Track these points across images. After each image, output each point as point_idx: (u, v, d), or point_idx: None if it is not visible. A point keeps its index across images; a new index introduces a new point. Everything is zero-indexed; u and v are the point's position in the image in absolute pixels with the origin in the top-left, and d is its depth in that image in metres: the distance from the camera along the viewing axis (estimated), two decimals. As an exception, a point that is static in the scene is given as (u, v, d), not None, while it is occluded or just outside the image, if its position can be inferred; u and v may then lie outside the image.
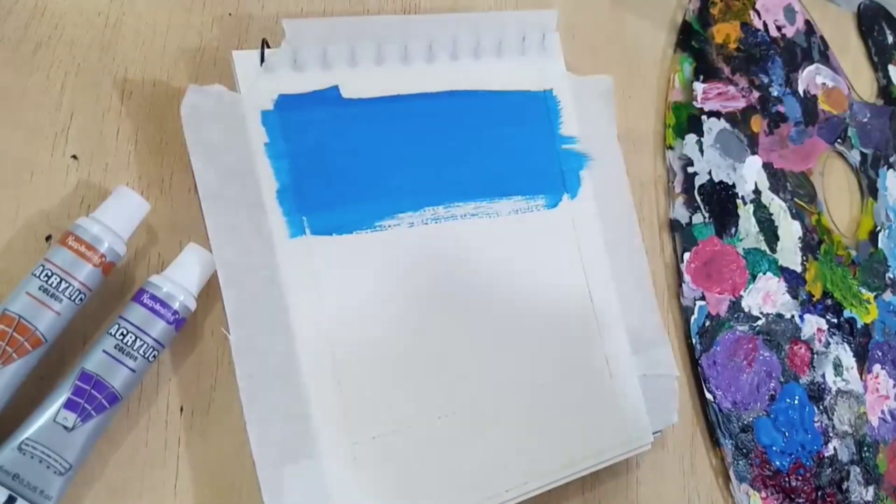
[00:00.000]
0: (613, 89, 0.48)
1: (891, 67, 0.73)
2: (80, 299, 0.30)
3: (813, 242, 0.59)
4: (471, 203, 0.41)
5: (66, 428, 0.29)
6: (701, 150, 0.55)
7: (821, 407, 0.54)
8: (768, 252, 0.56)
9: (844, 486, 0.53)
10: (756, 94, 0.60)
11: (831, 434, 0.54)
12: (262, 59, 0.36)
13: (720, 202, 0.55)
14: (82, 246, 0.30)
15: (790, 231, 0.58)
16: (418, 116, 0.40)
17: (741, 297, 0.53)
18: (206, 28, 0.39)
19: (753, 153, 0.58)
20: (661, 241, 0.52)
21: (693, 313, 0.50)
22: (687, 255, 0.51)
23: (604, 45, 0.54)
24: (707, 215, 0.53)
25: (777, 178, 0.59)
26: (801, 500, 0.51)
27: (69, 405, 0.29)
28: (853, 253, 0.62)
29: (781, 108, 0.61)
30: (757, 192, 0.57)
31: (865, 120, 0.68)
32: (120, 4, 0.37)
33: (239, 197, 0.35)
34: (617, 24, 0.55)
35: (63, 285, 0.30)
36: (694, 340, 0.50)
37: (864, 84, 0.71)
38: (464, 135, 0.42)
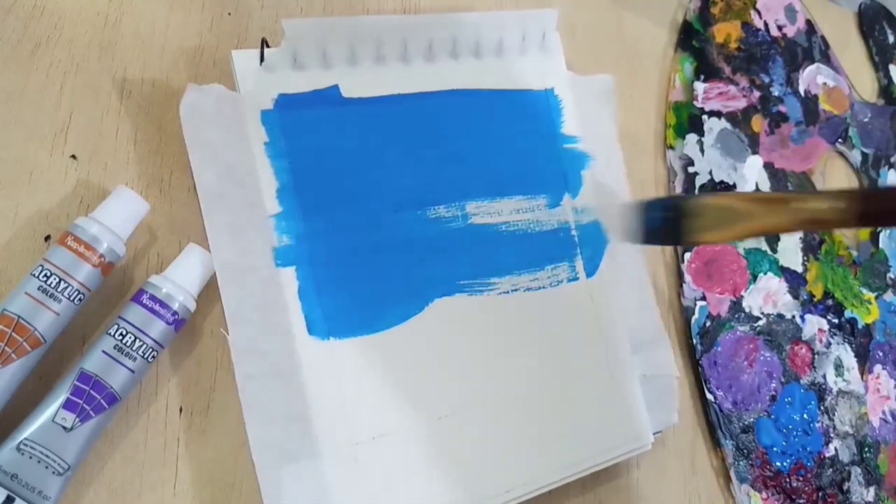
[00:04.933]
0: (614, 89, 0.48)
1: (892, 67, 0.73)
2: (80, 299, 0.30)
3: (814, 242, 0.59)
4: (472, 203, 0.41)
5: (64, 428, 0.29)
6: (702, 150, 0.55)
7: (822, 407, 0.54)
8: (769, 252, 0.56)
9: (845, 487, 0.53)
10: (757, 93, 0.59)
11: (832, 435, 0.54)
12: (262, 59, 0.36)
13: (721, 202, 0.54)
14: (81, 246, 0.30)
15: (791, 231, 0.58)
16: (419, 115, 0.40)
17: (742, 297, 0.53)
18: (206, 28, 0.38)
19: (754, 153, 0.58)
20: (661, 241, 0.52)
21: (694, 313, 0.50)
22: (687, 256, 0.51)
23: (604, 45, 0.54)
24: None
25: (778, 178, 0.58)
26: (801, 501, 0.51)
27: (68, 405, 0.29)
28: (854, 253, 0.62)
29: (782, 108, 0.61)
30: (757, 191, 0.57)
31: (866, 120, 0.68)
32: (119, 4, 0.37)
33: (238, 196, 0.35)
34: (617, 23, 0.55)
35: (62, 285, 0.29)
36: (694, 341, 0.50)
37: (865, 84, 0.71)
38: (465, 134, 0.42)
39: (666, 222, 0.41)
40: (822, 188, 0.62)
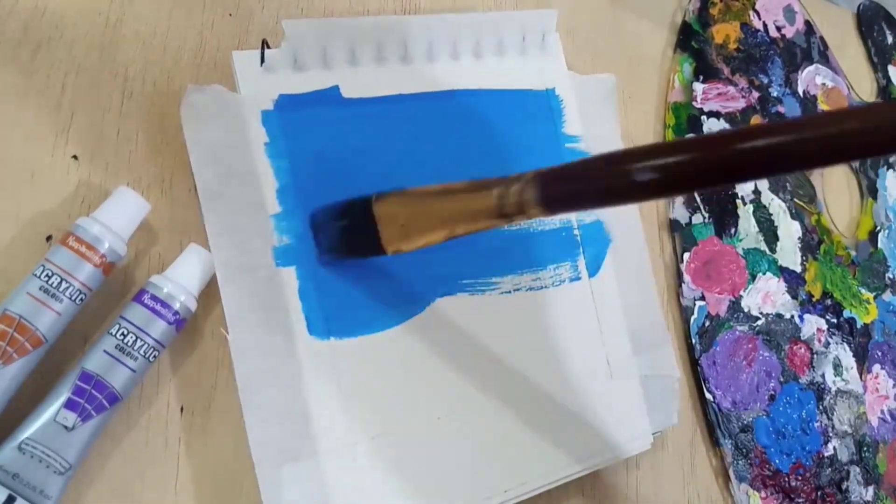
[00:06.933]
0: (616, 88, 0.48)
1: (890, 68, 0.73)
2: (81, 299, 0.30)
3: (812, 242, 0.59)
4: (471, 203, 0.41)
5: (66, 427, 0.29)
6: (701, 151, 0.55)
7: (820, 407, 0.54)
8: (768, 252, 0.56)
9: (844, 486, 0.53)
10: (756, 94, 0.60)
11: (831, 434, 0.54)
12: (263, 60, 0.36)
13: (720, 202, 0.55)
14: (83, 246, 0.30)
15: (790, 231, 0.58)
16: (419, 116, 0.40)
17: (741, 297, 0.53)
18: (207, 28, 0.39)
19: (753, 153, 0.58)
20: (660, 241, 0.52)
21: (693, 313, 0.50)
22: (687, 255, 0.51)
23: (604, 46, 0.54)
24: (707, 215, 0.53)
25: (777, 178, 0.59)
26: (800, 500, 0.51)
27: (69, 405, 0.29)
28: (853, 253, 0.62)
29: (781, 109, 0.61)
30: (756, 192, 0.57)
31: (865, 120, 0.68)
32: (120, 5, 0.37)
33: (239, 197, 0.35)
34: (617, 24, 0.55)
35: (63, 285, 0.30)
36: (693, 340, 0.50)
37: (864, 84, 0.71)
38: (466, 134, 0.42)
39: (339, 233, 0.35)
40: (822, 188, 0.62)
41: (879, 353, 0.60)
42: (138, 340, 0.31)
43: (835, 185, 0.64)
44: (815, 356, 0.55)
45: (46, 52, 0.35)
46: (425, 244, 0.34)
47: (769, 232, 0.56)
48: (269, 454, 0.33)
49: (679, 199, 0.53)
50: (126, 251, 0.32)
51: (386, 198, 0.34)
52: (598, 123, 0.47)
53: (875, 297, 0.62)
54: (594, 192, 0.29)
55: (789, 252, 0.57)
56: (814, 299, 0.57)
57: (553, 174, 0.30)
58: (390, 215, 0.34)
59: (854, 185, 0.67)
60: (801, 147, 0.25)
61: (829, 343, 0.57)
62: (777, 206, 0.58)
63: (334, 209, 0.36)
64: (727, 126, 0.57)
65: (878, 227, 0.65)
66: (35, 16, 0.35)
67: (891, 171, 0.68)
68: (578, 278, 0.43)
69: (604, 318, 0.44)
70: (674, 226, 0.52)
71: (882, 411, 0.58)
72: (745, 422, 0.50)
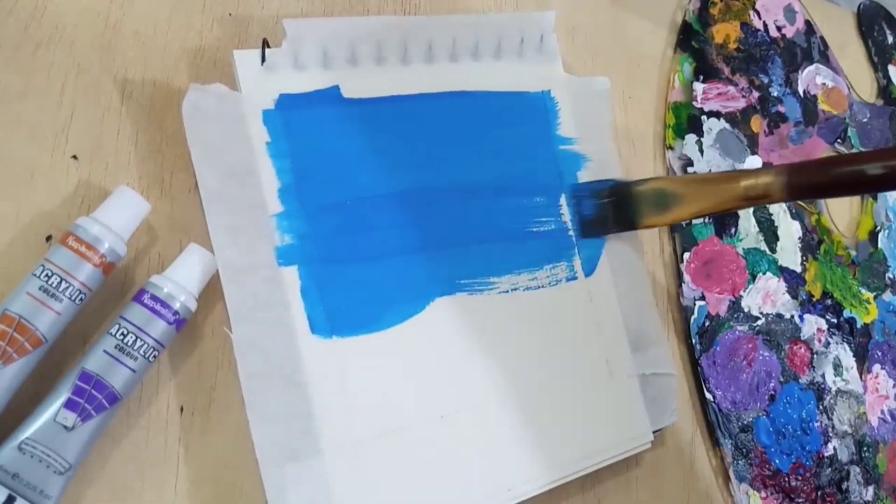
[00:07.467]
0: (613, 89, 0.48)
1: (890, 67, 0.73)
2: (81, 299, 0.30)
3: (813, 242, 0.59)
4: (471, 203, 0.41)
5: (66, 427, 0.29)
6: (701, 151, 0.55)
7: (820, 407, 0.54)
8: (768, 252, 0.56)
9: (844, 486, 0.53)
10: (756, 94, 0.60)
11: (831, 434, 0.54)
12: (263, 59, 0.36)
13: (720, 202, 0.55)
14: (82, 246, 0.30)
15: (790, 231, 0.58)
16: (417, 117, 0.40)
17: (741, 297, 0.53)
18: (207, 28, 0.39)
19: (753, 153, 0.58)
20: (660, 241, 0.52)
21: (693, 313, 0.50)
22: (687, 255, 0.51)
23: (604, 46, 0.54)
24: (707, 215, 0.53)
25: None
26: (800, 500, 0.51)
27: (69, 405, 0.29)
28: (853, 253, 0.62)
29: (781, 109, 0.61)
30: (757, 192, 0.57)
31: (865, 120, 0.68)
32: (120, 5, 0.37)
33: (240, 196, 0.35)
34: (617, 24, 0.55)
35: (63, 285, 0.30)
36: (694, 340, 0.50)
37: (864, 84, 0.71)
38: (462, 135, 0.42)
39: (605, 209, 0.43)
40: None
41: (879, 353, 0.60)
42: (138, 340, 0.31)
43: (835, 184, 0.64)
44: (815, 356, 0.55)
45: (46, 52, 0.35)
46: (673, 221, 0.43)
47: (769, 232, 0.56)
48: (273, 453, 0.33)
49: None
50: (126, 251, 0.32)
51: (646, 182, 0.43)
52: (592, 125, 0.47)
53: (875, 297, 0.62)
54: (829, 183, 0.37)
55: (789, 252, 0.57)
56: (814, 299, 0.57)
57: (798, 167, 0.38)
58: (649, 196, 0.42)
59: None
60: None
61: (829, 343, 0.57)
62: (777, 206, 0.58)
63: (599, 188, 0.44)
64: (727, 126, 0.57)
65: (878, 227, 0.65)
66: (35, 16, 0.35)
67: (891, 170, 0.68)
68: (574, 278, 0.43)
69: (601, 317, 0.44)
70: (674, 226, 0.52)
71: (882, 411, 0.58)
72: (745, 422, 0.50)
